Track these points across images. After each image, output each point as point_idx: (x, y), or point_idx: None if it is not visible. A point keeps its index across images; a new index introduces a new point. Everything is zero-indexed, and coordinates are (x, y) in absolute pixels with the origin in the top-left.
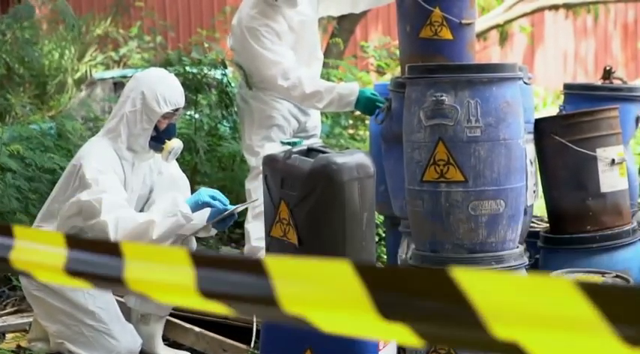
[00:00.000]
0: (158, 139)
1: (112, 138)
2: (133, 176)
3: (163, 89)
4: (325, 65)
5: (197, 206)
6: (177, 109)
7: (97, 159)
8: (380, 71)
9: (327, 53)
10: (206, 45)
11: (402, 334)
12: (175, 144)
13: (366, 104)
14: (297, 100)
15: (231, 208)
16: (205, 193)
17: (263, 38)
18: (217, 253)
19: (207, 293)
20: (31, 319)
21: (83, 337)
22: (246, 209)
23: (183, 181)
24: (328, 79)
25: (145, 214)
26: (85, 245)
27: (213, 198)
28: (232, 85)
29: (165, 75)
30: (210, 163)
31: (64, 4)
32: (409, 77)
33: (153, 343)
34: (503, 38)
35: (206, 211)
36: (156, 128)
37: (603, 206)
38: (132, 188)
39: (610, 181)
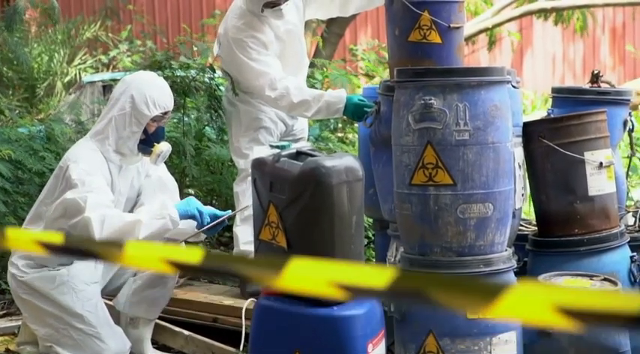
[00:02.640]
0: (147, 142)
1: (99, 140)
2: (120, 179)
3: (153, 92)
4: (313, 65)
5: (186, 216)
6: (166, 113)
7: (84, 161)
8: (369, 74)
9: (316, 55)
10: (195, 48)
11: None
12: (164, 147)
13: (354, 111)
14: (285, 109)
15: (221, 215)
16: (194, 204)
17: (250, 49)
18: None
19: None
20: (19, 323)
21: (72, 341)
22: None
23: (172, 184)
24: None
25: (132, 214)
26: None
27: (200, 212)
28: (221, 88)
29: (154, 78)
30: (199, 166)
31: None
32: (398, 81)
33: (142, 346)
34: (492, 42)
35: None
36: (145, 131)
37: (591, 209)
38: (119, 191)
39: (598, 184)
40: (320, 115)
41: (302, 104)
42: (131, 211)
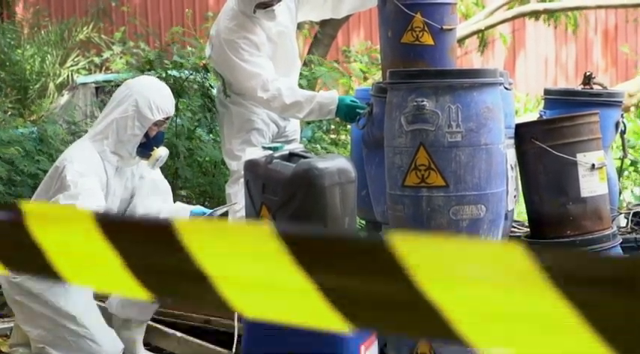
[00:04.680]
0: (147, 146)
1: (97, 141)
2: (115, 180)
3: (156, 97)
4: (308, 64)
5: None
6: (167, 117)
7: (80, 161)
8: (364, 77)
9: (310, 53)
10: (189, 49)
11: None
12: (163, 152)
13: (346, 112)
14: (278, 110)
15: (210, 211)
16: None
17: (242, 50)
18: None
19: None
20: (12, 325)
21: (65, 342)
22: (227, 214)
23: (165, 186)
24: (311, 81)
25: None
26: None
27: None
28: (214, 88)
29: (157, 83)
30: (191, 168)
31: None
32: (390, 82)
33: (134, 348)
34: (484, 44)
35: (185, 216)
36: (146, 135)
37: (583, 211)
38: (114, 192)
39: (590, 185)
40: (312, 117)
41: (294, 105)
42: (124, 212)
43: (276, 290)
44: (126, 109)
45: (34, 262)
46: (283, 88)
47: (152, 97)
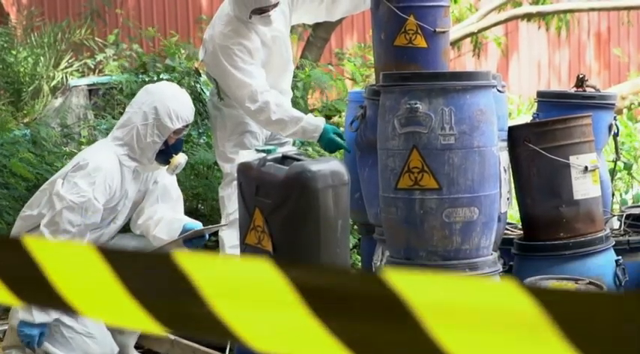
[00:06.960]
0: (166, 153)
1: (118, 145)
2: (131, 183)
3: (176, 105)
4: (300, 67)
5: None
6: (187, 125)
7: (99, 171)
8: (355, 79)
9: (303, 56)
10: (183, 51)
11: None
12: (182, 159)
13: (327, 143)
14: (262, 123)
15: (201, 226)
16: None
17: (235, 57)
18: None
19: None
20: (6, 327)
21: (62, 338)
22: (220, 217)
23: (176, 194)
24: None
25: None
26: None
27: None
28: (206, 92)
29: (177, 91)
30: (185, 170)
31: None
32: (384, 85)
33: (126, 352)
34: (478, 47)
35: (177, 228)
36: (165, 142)
37: (576, 213)
38: (127, 195)
39: (583, 188)
40: (295, 137)
41: (279, 123)
42: (132, 212)
43: (285, 330)
44: (146, 117)
45: (41, 293)
46: (271, 103)
47: (172, 105)
